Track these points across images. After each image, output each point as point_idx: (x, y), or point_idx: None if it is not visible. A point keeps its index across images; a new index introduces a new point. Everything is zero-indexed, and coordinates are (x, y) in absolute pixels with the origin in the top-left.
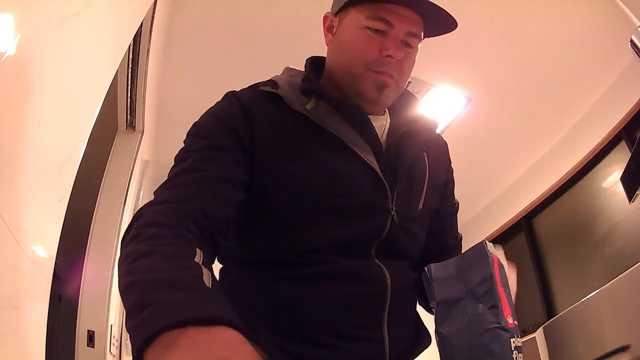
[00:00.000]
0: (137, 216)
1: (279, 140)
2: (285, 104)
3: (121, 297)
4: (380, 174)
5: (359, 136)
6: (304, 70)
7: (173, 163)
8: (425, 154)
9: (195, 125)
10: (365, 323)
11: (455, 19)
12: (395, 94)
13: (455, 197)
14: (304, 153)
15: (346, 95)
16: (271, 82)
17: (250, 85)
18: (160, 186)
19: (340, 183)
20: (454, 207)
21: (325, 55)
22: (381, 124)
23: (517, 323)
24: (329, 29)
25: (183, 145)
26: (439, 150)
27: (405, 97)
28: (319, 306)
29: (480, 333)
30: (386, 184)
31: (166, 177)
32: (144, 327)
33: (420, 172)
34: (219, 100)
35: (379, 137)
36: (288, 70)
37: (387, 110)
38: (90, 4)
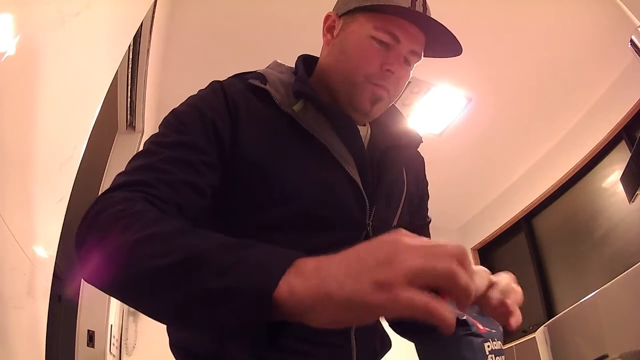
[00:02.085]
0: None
1: (264, 140)
2: (273, 102)
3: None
4: (362, 188)
5: (346, 148)
6: (293, 67)
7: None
8: (404, 170)
9: (174, 112)
10: (335, 330)
11: (461, 45)
12: (385, 109)
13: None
14: (289, 158)
15: (336, 100)
16: (260, 76)
17: (237, 75)
18: (121, 173)
19: (323, 193)
20: (425, 221)
21: (318, 55)
22: (362, 134)
23: (489, 329)
24: (329, 29)
25: (158, 129)
26: (416, 166)
27: (390, 111)
28: None
29: (453, 342)
30: (366, 199)
31: None
32: (258, 277)
33: (398, 189)
34: (204, 89)
35: (365, 150)
36: (277, 65)
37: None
38: (90, 4)
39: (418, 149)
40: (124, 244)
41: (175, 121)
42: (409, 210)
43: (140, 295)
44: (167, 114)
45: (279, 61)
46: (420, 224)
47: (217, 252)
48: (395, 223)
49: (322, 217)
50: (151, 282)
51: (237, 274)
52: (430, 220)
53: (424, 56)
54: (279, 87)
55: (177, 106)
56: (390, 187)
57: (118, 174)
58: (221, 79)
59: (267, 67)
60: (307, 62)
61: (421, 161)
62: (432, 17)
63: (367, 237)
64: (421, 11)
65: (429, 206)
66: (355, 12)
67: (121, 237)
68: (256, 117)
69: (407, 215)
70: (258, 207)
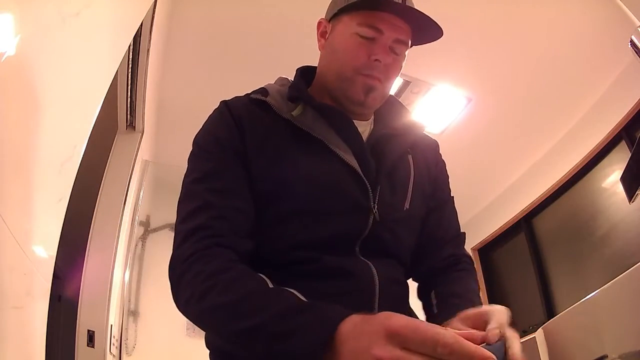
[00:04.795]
0: (184, 265)
1: (267, 146)
2: (273, 111)
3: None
4: (361, 173)
5: (342, 139)
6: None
7: (181, 182)
8: (410, 155)
9: (195, 143)
10: None
11: (441, 28)
12: (381, 98)
13: (452, 192)
14: (289, 158)
15: (336, 99)
16: (262, 90)
17: (245, 94)
18: (179, 222)
19: (324, 185)
20: (445, 200)
21: (318, 61)
22: (364, 128)
23: None
24: (322, 35)
25: (187, 165)
26: (426, 150)
27: (392, 104)
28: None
29: None
30: (367, 183)
31: (179, 187)
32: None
33: (403, 173)
34: (213, 112)
35: (363, 140)
36: (280, 79)
37: (372, 116)
38: (90, 4)
39: (428, 134)
40: (205, 311)
41: (198, 152)
42: (423, 194)
43: (226, 343)
44: (192, 148)
45: (283, 76)
46: (437, 205)
47: (276, 320)
48: (407, 206)
49: (329, 207)
50: (232, 340)
51: (293, 343)
52: (452, 198)
53: (414, 44)
54: (277, 97)
55: (196, 134)
56: (392, 171)
57: (178, 224)
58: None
59: (271, 83)
60: (306, 72)
61: (432, 142)
62: (409, 5)
63: (374, 222)
64: (399, 2)
65: None
66: (340, 14)
67: (202, 304)
68: (258, 126)
69: (421, 199)
70: (269, 204)
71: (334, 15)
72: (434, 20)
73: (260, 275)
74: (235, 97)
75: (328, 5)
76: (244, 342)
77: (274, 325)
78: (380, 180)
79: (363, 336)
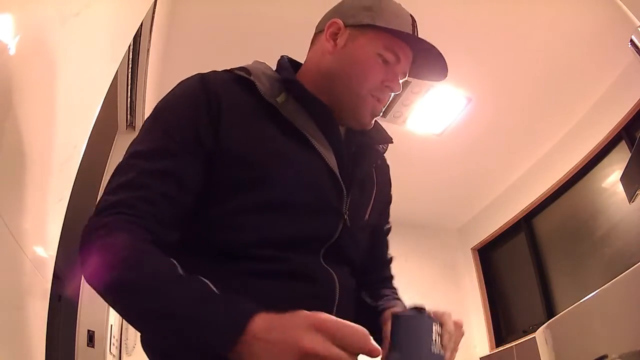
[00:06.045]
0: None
1: (245, 129)
2: (257, 93)
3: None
4: (339, 176)
5: (324, 137)
6: (275, 66)
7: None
8: (374, 170)
9: (154, 114)
10: None
11: (447, 72)
12: None
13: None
14: (269, 145)
15: (337, 105)
16: (244, 69)
17: (226, 70)
18: (105, 192)
19: (301, 179)
20: (385, 228)
21: (314, 59)
22: (341, 130)
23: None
24: (332, 36)
25: (139, 131)
26: (384, 171)
27: None
28: (269, 304)
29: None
30: (343, 186)
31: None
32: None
33: (369, 185)
34: (185, 82)
35: (342, 142)
36: (259, 62)
37: None
38: (90, 4)
39: (385, 156)
40: (114, 286)
41: (154, 124)
42: (379, 209)
43: (132, 323)
44: (154, 108)
45: (259, 60)
46: (382, 224)
47: (188, 306)
48: (366, 217)
49: (300, 203)
50: (137, 320)
51: (205, 331)
52: (389, 228)
53: (409, 77)
54: (262, 79)
55: (161, 100)
56: (362, 180)
57: (104, 193)
58: None
59: (251, 64)
60: (290, 62)
61: (387, 166)
62: (434, 46)
63: (344, 226)
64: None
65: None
66: (366, 27)
67: (109, 278)
68: (239, 106)
69: (378, 214)
70: (238, 192)
71: (358, 25)
72: (445, 62)
73: (172, 259)
74: (214, 71)
75: (330, 6)
76: (151, 325)
77: (185, 310)
78: (353, 186)
79: (286, 329)
